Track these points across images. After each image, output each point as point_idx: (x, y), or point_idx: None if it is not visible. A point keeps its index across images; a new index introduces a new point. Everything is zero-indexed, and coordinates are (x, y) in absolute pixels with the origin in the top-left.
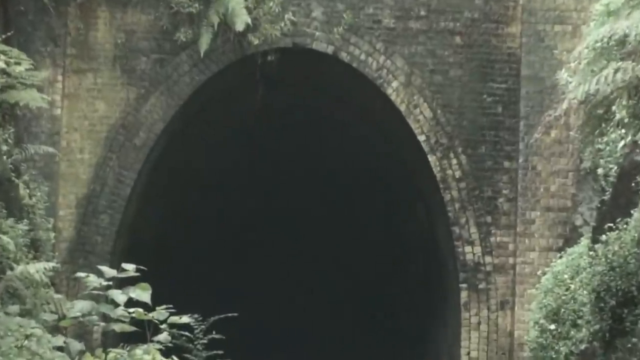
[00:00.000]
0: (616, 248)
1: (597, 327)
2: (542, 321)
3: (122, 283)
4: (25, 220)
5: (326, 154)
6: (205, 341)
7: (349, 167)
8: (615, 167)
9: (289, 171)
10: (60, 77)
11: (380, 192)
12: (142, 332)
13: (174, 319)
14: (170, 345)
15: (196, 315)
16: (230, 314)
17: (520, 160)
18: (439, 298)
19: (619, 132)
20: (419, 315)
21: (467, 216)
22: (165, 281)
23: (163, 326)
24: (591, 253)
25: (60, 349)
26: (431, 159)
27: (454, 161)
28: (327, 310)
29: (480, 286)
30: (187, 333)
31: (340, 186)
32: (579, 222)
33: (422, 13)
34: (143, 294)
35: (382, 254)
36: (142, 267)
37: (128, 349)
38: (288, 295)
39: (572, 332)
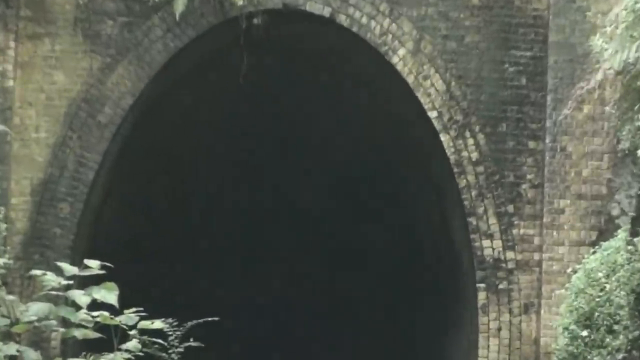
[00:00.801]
0: None
1: (636, 333)
2: (572, 327)
3: (85, 282)
4: None
5: (322, 133)
6: (181, 349)
7: (347, 148)
8: None
9: (280, 151)
10: (12, 44)
11: (384, 177)
12: (108, 340)
13: (145, 323)
14: (140, 354)
15: (171, 320)
16: (210, 319)
17: (547, 140)
18: (453, 300)
19: None
20: (430, 320)
21: (485, 205)
22: (135, 281)
23: (132, 332)
24: (630, 248)
25: (12, 358)
26: (444, 138)
27: (470, 141)
28: (329, 316)
29: (501, 286)
30: (160, 340)
31: (338, 170)
32: (615, 212)
33: None
34: (109, 295)
35: (386, 250)
36: (107, 264)
37: (91, 358)
38: (284, 295)
39: (608, 340)
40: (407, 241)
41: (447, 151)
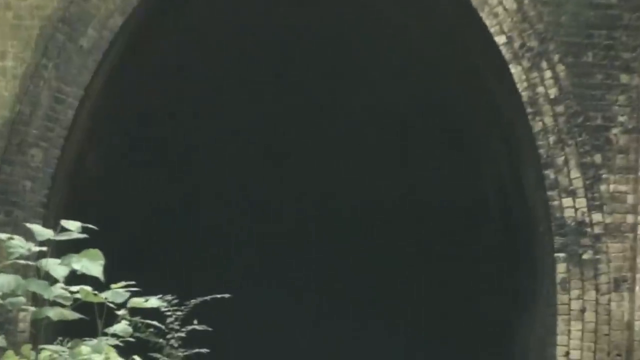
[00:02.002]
0: None
1: None
2: None
3: (62, 249)
4: None
5: (360, 65)
6: (182, 334)
7: (394, 84)
8: None
9: (310, 97)
10: None
11: (439, 121)
12: (91, 321)
13: (137, 301)
14: (131, 340)
15: (170, 297)
16: (220, 295)
17: None
18: (525, 274)
19: None
20: (494, 298)
21: (566, 154)
22: (126, 248)
23: (121, 312)
24: None
25: None
26: (514, 70)
27: (548, 74)
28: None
29: (585, 256)
30: (156, 323)
31: (380, 116)
32: None
33: None
34: (92, 265)
35: (441, 208)
36: (91, 226)
37: (69, 344)
38: (307, 272)
39: None
40: (468, 199)
41: (518, 86)
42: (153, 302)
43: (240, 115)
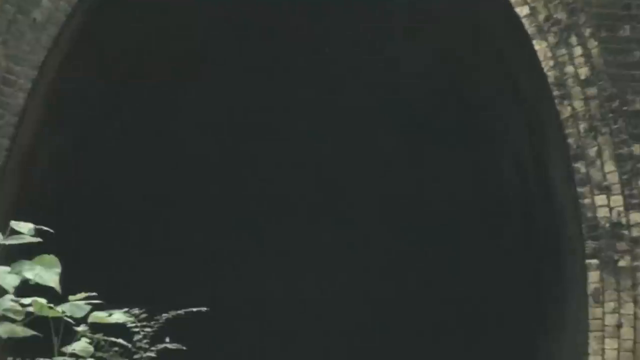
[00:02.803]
0: None
1: None
2: None
3: (12, 255)
4: None
5: (367, 43)
6: (152, 354)
7: (404, 72)
8: None
9: (306, 61)
10: None
11: (451, 103)
12: (46, 339)
13: (100, 315)
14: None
15: (137, 310)
16: (196, 309)
17: None
18: (551, 282)
19: None
20: (516, 312)
21: (599, 144)
22: (86, 253)
23: (81, 328)
24: None
25: None
26: (539, 47)
27: (578, 51)
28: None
29: (622, 263)
30: (121, 341)
31: (390, 106)
32: None
33: None
34: (47, 273)
35: (454, 211)
36: (45, 228)
37: None
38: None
39: None
40: (485, 196)
41: (543, 66)
42: (118, 316)
43: (222, 94)
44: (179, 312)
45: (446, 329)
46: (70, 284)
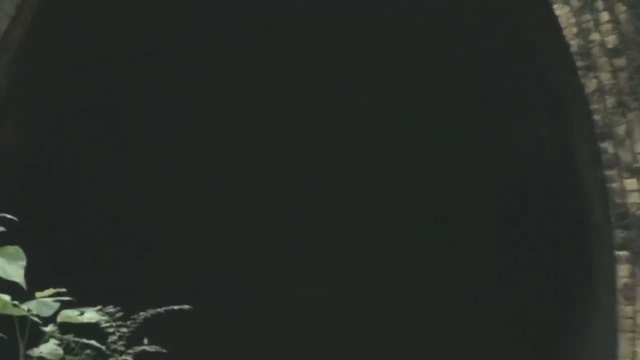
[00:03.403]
0: None
1: None
2: None
3: None
4: None
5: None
6: (129, 358)
7: (420, 46)
8: None
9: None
10: None
11: (467, 79)
12: (11, 340)
13: (70, 314)
14: None
15: (112, 308)
16: (178, 307)
17: None
18: (576, 277)
19: None
20: (537, 310)
21: (628, 121)
22: (58, 244)
23: (49, 328)
24: None
25: None
26: (560, 12)
27: (605, 16)
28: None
29: None
30: (94, 342)
31: (406, 84)
32: None
33: None
34: (11, 267)
35: (470, 191)
36: (9, 217)
37: None
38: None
39: None
40: (503, 181)
41: (565, 34)
42: (90, 315)
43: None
44: (159, 310)
45: (461, 324)
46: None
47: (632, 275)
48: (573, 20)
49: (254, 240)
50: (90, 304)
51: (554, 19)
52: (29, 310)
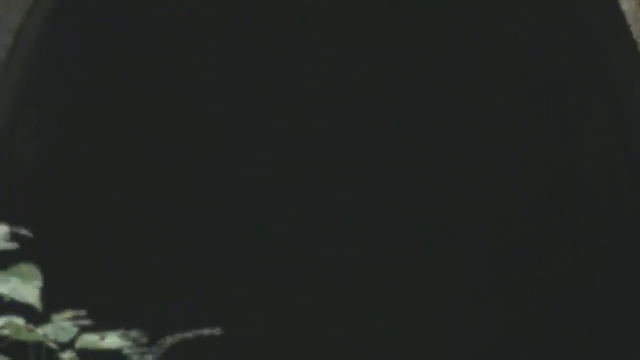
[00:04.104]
0: None
1: None
2: None
3: None
4: None
5: None
6: None
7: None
8: None
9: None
10: None
11: (524, 78)
12: None
13: (90, 340)
14: None
15: (136, 333)
16: (209, 330)
17: None
18: (632, 290)
19: None
20: (582, 319)
21: None
22: (75, 263)
23: (67, 355)
24: None
25: None
26: (627, 7)
27: None
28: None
29: None
30: None
31: (450, 76)
32: None
33: None
34: (25, 287)
35: (516, 204)
36: (24, 232)
37: None
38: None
39: None
40: (560, 186)
41: (632, 29)
42: (112, 340)
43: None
44: (187, 335)
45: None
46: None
47: None
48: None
49: (261, 241)
50: (112, 325)
51: (619, 14)
52: (45, 335)
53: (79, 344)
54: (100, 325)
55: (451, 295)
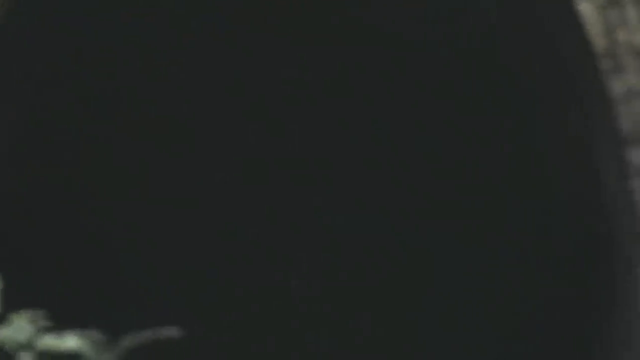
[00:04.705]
0: None
1: None
2: None
3: None
4: None
5: None
6: None
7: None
8: None
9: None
10: None
11: (481, 77)
12: None
13: (51, 341)
14: None
15: (94, 333)
16: (167, 331)
17: None
18: (597, 298)
19: None
20: (546, 336)
21: None
22: (31, 262)
23: (24, 357)
24: None
25: None
26: (585, 7)
27: (632, 12)
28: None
29: None
30: None
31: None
32: None
33: None
34: None
35: (479, 207)
36: None
37: None
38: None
39: None
40: (517, 189)
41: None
42: (70, 342)
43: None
44: (146, 335)
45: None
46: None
47: None
48: (599, 17)
49: (254, 240)
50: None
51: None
52: (4, 336)
53: (38, 345)
54: (60, 325)
55: (426, 295)
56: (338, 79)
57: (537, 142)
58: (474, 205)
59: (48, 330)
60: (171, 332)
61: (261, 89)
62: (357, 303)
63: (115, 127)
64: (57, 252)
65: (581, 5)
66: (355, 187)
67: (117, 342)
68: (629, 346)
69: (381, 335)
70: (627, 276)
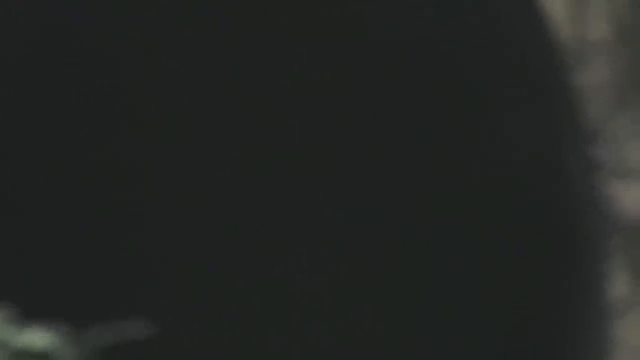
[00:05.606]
0: None
1: None
2: None
3: None
4: None
5: None
6: None
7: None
8: None
9: None
10: None
11: (444, 75)
12: None
13: (22, 338)
14: None
15: (66, 331)
16: (141, 322)
17: None
18: (563, 292)
19: None
20: (516, 329)
21: (623, 121)
22: (29, 262)
23: None
24: None
25: None
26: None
27: (600, 6)
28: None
29: None
30: None
31: (348, 54)
32: None
33: None
34: None
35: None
36: None
37: None
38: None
39: None
40: (484, 185)
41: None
42: (37, 335)
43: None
44: (119, 327)
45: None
46: None
47: (632, 290)
48: (565, 10)
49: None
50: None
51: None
52: None
53: (12, 343)
54: (28, 320)
55: (425, 289)
56: (338, 73)
57: (500, 137)
58: (439, 203)
59: (15, 324)
60: (140, 327)
61: (261, 82)
62: (358, 297)
63: (113, 121)
64: (52, 246)
65: None
66: (356, 181)
67: (84, 336)
68: (594, 344)
69: (382, 329)
70: (592, 273)
